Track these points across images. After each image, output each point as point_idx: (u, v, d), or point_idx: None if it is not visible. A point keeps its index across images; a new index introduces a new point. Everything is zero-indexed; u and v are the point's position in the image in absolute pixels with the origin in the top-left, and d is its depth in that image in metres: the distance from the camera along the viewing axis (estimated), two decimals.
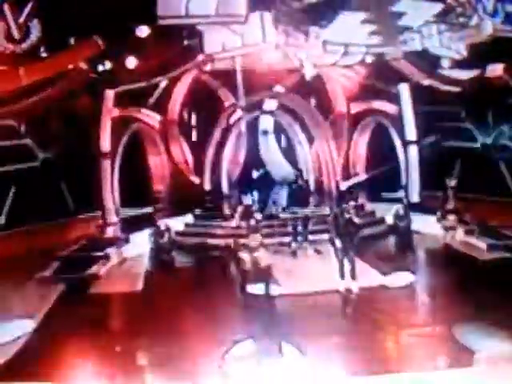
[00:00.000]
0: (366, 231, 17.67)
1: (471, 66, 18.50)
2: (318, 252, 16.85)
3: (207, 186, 21.52)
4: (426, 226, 18.35)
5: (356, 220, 13.63)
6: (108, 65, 17.63)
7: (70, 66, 16.66)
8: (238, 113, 21.92)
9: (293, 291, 13.37)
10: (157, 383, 9.51)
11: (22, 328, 11.56)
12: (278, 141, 24.03)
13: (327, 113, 22.79)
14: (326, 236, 16.22)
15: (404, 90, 20.64)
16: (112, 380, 9.22)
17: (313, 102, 22.90)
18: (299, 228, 17.90)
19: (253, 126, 23.14)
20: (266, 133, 23.60)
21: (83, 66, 16.84)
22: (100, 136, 18.78)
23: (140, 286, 14.67)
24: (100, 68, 17.63)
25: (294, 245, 17.46)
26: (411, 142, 20.83)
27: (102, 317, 12.49)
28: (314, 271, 14.94)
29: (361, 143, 23.05)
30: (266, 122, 23.72)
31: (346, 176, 22.50)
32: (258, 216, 16.39)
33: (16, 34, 16.60)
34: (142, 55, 17.27)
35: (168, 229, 18.13)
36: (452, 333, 10.41)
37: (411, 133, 20.81)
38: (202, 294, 13.82)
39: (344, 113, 22.89)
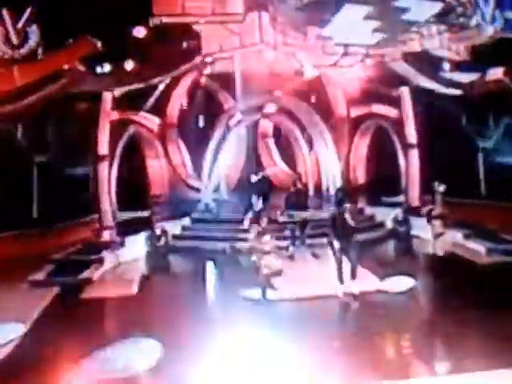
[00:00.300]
0: (365, 235, 17.49)
1: (472, 68, 18.36)
2: (315, 256, 16.71)
3: (205, 190, 21.31)
4: (426, 230, 18.14)
5: (351, 223, 13.43)
6: (106, 67, 17.56)
7: (66, 66, 16.47)
8: (237, 116, 21.79)
9: (290, 296, 13.23)
10: None
11: (15, 331, 11.44)
12: (278, 144, 23.87)
13: (327, 116, 22.60)
14: (324, 240, 16.20)
15: (404, 93, 20.48)
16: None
17: (313, 105, 22.71)
18: (297, 232, 17.76)
19: (252, 130, 22.97)
20: (265, 136, 23.45)
21: (80, 67, 16.64)
22: (98, 139, 18.65)
23: (135, 289, 14.52)
24: (98, 70, 17.58)
25: (291, 248, 17.27)
26: (412, 146, 20.67)
27: (95, 320, 12.31)
28: (311, 275, 14.76)
29: (361, 147, 22.85)
30: (266, 126, 23.58)
31: (347, 180, 22.32)
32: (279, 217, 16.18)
33: (14, 40, 16.55)
34: (140, 57, 17.14)
35: (165, 232, 18.05)
36: (452, 338, 10.27)
37: (412, 136, 20.65)
38: (199, 297, 13.74)
39: (344, 116, 22.80)
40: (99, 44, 16.36)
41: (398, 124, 20.86)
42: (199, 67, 19.24)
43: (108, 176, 18.87)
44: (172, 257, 17.65)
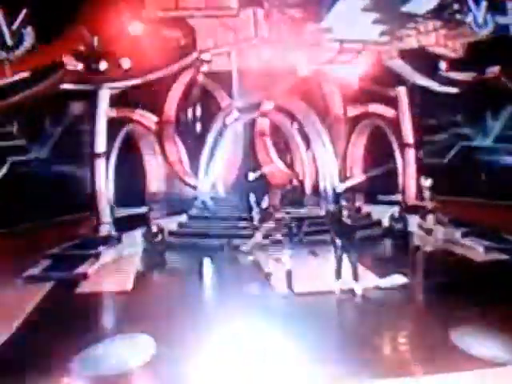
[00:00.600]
0: (362, 233, 17.44)
1: (468, 66, 18.36)
2: (313, 253, 16.67)
3: (202, 187, 21.26)
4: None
5: (347, 221, 13.44)
6: (102, 64, 17.54)
7: (58, 59, 16.43)
8: (234, 114, 21.73)
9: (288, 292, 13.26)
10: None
11: (7, 327, 11.40)
12: (275, 143, 23.81)
13: (324, 115, 22.54)
14: (321, 237, 16.26)
15: (401, 92, 20.52)
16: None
17: (310, 104, 22.64)
18: (294, 229, 17.70)
19: (249, 127, 22.93)
20: (262, 134, 23.38)
21: (74, 62, 16.61)
22: (95, 136, 18.65)
23: (130, 285, 14.47)
24: (93, 67, 17.55)
25: (288, 246, 17.20)
26: (408, 145, 20.70)
27: (89, 316, 12.28)
28: (308, 273, 14.69)
29: (358, 146, 22.81)
30: (263, 124, 23.52)
31: (343, 179, 22.29)
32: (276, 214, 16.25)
33: (9, 41, 16.52)
34: (136, 54, 17.10)
35: (161, 229, 18.02)
36: (448, 336, 10.26)
37: (408, 135, 20.69)
38: (195, 294, 13.74)
39: (341, 115, 22.70)
40: (93, 39, 16.31)
41: (395, 123, 20.88)
42: (196, 65, 19.12)
43: (105, 173, 18.88)
44: (168, 253, 17.56)
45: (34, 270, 15.36)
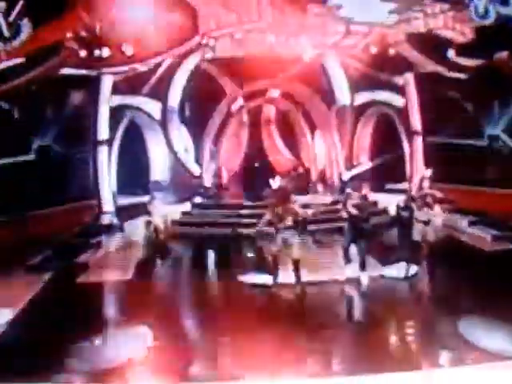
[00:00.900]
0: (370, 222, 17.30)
1: (477, 51, 18.06)
2: (317, 242, 16.46)
3: (207, 176, 21.09)
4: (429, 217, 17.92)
5: (352, 210, 13.30)
6: (105, 51, 17.41)
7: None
8: (240, 101, 21.53)
9: (290, 281, 12.98)
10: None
11: (4, 316, 11.24)
12: (280, 130, 23.58)
13: (330, 103, 22.28)
14: (325, 226, 16.06)
15: (409, 79, 20.25)
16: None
17: (316, 91, 22.40)
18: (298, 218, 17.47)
19: (254, 115, 22.68)
20: (268, 122, 23.18)
21: (78, 48, 16.44)
22: (97, 123, 18.59)
23: (131, 275, 14.33)
24: (97, 53, 17.41)
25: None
26: (416, 133, 20.45)
27: (89, 306, 12.08)
28: (313, 261, 14.39)
29: (364, 134, 22.54)
30: (268, 111, 23.29)
31: (350, 167, 22.08)
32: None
33: (6, 33, 16.36)
34: (138, 38, 16.91)
35: (164, 217, 17.80)
36: (456, 327, 9.94)
37: (416, 123, 20.43)
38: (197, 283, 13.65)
39: (347, 103, 22.42)
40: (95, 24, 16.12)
41: (403, 111, 20.62)
42: (200, 51, 18.92)
43: (108, 160, 18.79)
44: (171, 242, 17.39)
45: (35, 260, 15.22)
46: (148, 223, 17.13)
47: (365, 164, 22.38)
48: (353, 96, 22.18)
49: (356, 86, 21.82)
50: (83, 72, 18.00)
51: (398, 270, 13.51)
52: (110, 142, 18.83)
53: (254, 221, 17.33)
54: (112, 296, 13.63)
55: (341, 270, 13.36)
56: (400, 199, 18.51)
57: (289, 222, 13.33)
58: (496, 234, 16.43)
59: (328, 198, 19.48)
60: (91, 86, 18.71)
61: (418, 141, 20.47)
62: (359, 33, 17.60)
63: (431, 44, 18.34)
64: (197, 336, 10.47)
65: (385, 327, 10.64)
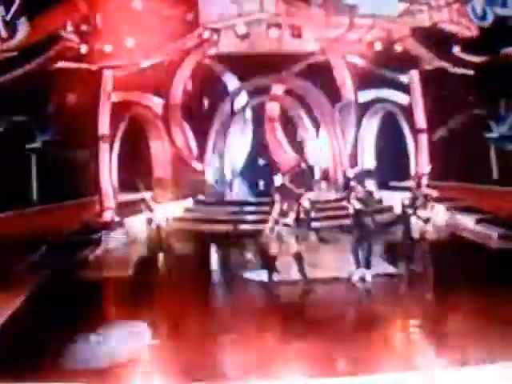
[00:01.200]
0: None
1: (483, 46, 17.91)
2: (321, 239, 16.32)
3: (209, 173, 20.92)
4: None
5: (357, 204, 13.17)
6: (107, 46, 17.31)
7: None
8: (243, 98, 21.36)
9: (293, 278, 13.00)
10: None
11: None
12: (284, 127, 23.41)
13: (335, 100, 22.12)
14: (329, 223, 15.92)
15: (413, 77, 20.17)
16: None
17: (320, 88, 22.23)
18: (301, 215, 17.30)
19: (258, 112, 22.50)
20: (271, 119, 22.98)
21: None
22: (99, 119, 18.53)
23: (131, 271, 14.32)
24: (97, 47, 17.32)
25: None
26: (421, 131, 20.36)
27: (89, 302, 11.95)
28: (317, 259, 14.36)
29: (369, 131, 22.38)
30: (272, 108, 23.11)
31: (354, 164, 21.89)
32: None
33: (3, 32, 16.26)
34: (139, 32, 16.77)
35: (167, 214, 17.64)
36: (459, 327, 9.85)
37: (421, 121, 20.34)
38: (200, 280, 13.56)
39: (352, 100, 22.25)
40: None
41: (407, 109, 20.56)
42: (203, 46, 18.78)
43: (109, 157, 18.73)
44: (173, 239, 17.25)
45: (35, 256, 15.11)
46: (149, 220, 16.99)
47: (369, 161, 22.17)
48: (357, 93, 22.05)
49: (360, 84, 21.65)
50: (84, 66, 17.88)
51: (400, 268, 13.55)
52: (111, 138, 18.74)
53: (257, 218, 17.31)
54: (112, 293, 13.49)
55: (345, 268, 13.28)
56: (405, 197, 18.47)
57: (292, 218, 13.22)
58: (503, 232, 16.25)
59: (332, 195, 19.35)
60: (92, 80, 18.55)
61: (423, 138, 20.34)
62: (363, 26, 17.40)
63: (436, 39, 18.19)
64: (197, 334, 10.27)
65: (385, 326, 10.46)
